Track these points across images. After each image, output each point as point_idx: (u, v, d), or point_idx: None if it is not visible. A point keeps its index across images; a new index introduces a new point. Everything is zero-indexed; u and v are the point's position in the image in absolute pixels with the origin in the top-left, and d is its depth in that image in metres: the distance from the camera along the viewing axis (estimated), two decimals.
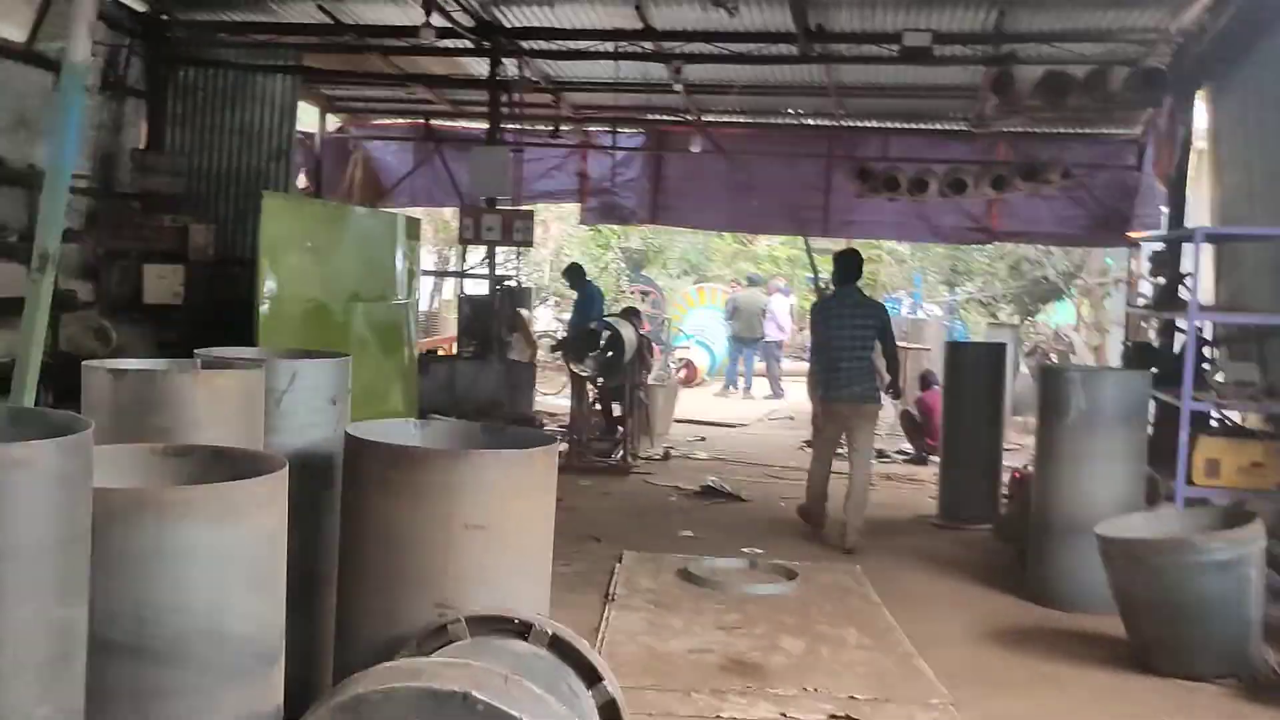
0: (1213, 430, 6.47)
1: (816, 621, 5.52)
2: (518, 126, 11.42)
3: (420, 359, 9.57)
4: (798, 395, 14.06)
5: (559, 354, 12.17)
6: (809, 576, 6.30)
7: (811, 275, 15.20)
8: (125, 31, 8.94)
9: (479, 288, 11.38)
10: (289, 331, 6.71)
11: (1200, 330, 6.72)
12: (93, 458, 2.14)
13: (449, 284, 18.71)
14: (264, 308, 6.61)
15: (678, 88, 10.16)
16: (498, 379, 10.01)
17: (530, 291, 13.92)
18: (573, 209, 15.23)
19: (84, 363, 3.15)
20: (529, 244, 10.84)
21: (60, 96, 4.40)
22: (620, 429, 10.15)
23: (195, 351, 3.60)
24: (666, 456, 10.44)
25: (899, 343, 7.96)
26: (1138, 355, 8.08)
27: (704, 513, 8.21)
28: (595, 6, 8.69)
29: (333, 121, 13.32)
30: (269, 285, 6.65)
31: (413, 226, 8.72)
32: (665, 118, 12.37)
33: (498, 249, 10.52)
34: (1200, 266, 7.43)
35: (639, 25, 8.92)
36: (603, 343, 9.67)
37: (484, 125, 10.76)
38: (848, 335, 7.29)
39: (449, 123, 13.18)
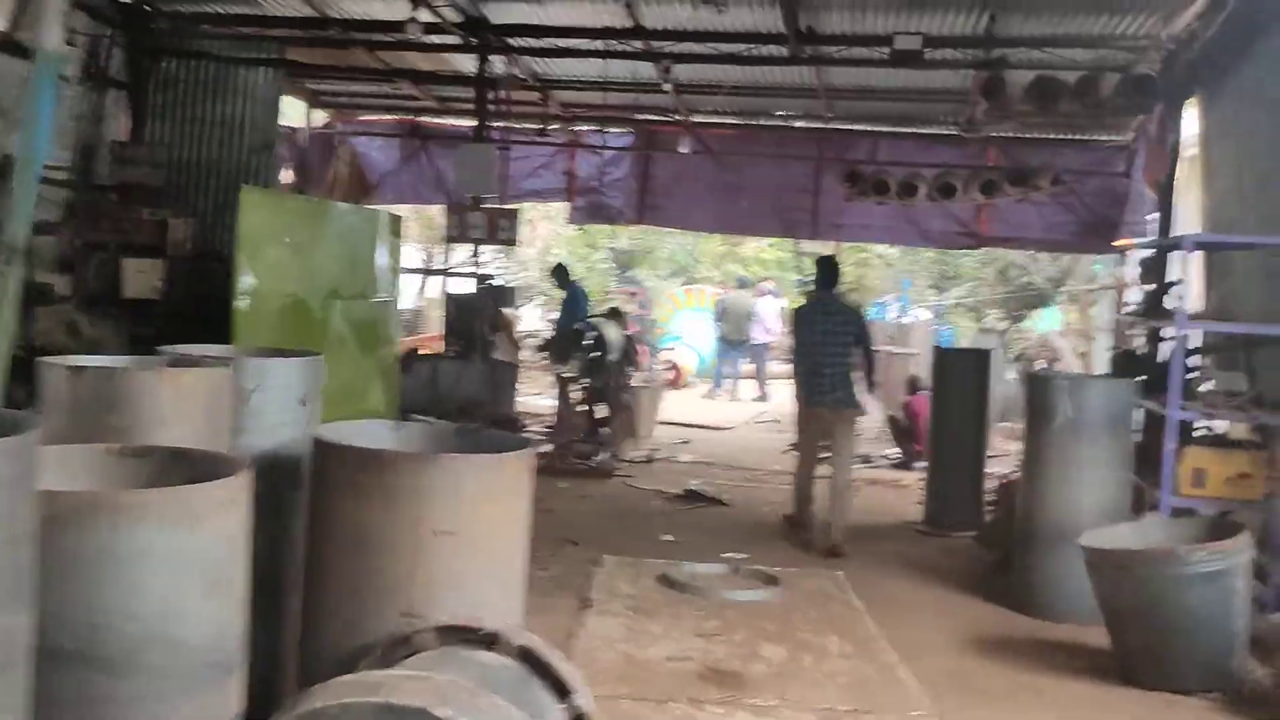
0: (1200, 440, 6.42)
1: (798, 629, 5.45)
2: (505, 124, 11.33)
3: (403, 357, 9.47)
4: (784, 398, 13.99)
5: (543, 354, 12.08)
6: (791, 582, 6.23)
7: (799, 278, 15.16)
8: (107, 22, 8.82)
9: (464, 286, 11.29)
10: (267, 328, 6.61)
11: (1188, 339, 6.68)
12: (37, 459, 2.04)
13: (435, 282, 18.61)
14: (241, 304, 6.50)
15: (667, 87, 10.09)
16: (481, 379, 9.92)
17: (515, 291, 13.83)
18: (560, 208, 15.13)
19: (40, 359, 3.05)
20: (514, 243, 10.77)
21: (32, 85, 4.30)
22: (604, 430, 10.07)
23: (162, 349, 3.50)
24: (650, 459, 10.36)
25: (888, 347, 7.99)
26: (1124, 363, 8.04)
27: (686, 517, 8.13)
28: (584, 4, 8.61)
29: (319, 116, 13.20)
30: (246, 281, 6.54)
31: (395, 223, 8.62)
32: (654, 118, 12.30)
33: (483, 247, 10.44)
34: (1190, 274, 7.38)
35: (628, 23, 8.85)
36: (587, 343, 9.59)
37: (471, 123, 10.67)
38: (828, 340, 7.38)
39: (436, 119, 13.08)
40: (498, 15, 9.06)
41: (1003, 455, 9.98)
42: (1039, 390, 6.23)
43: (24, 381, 6.03)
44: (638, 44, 9.29)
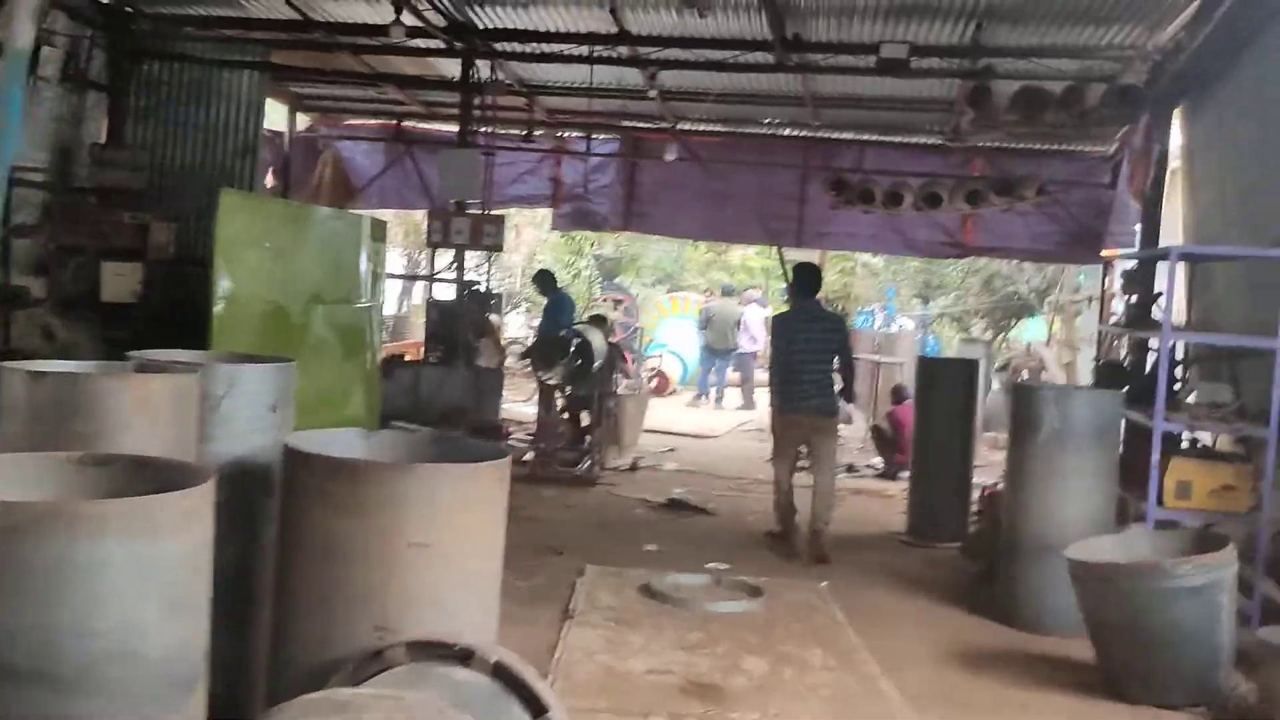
0: (1184, 452, 6.39)
1: (780, 641, 5.38)
2: (490, 130, 11.28)
3: (385, 364, 9.38)
4: (768, 407, 13.95)
5: (527, 361, 12.00)
6: (774, 594, 6.17)
7: (786, 286, 15.11)
8: (87, 23, 8.71)
9: (448, 292, 11.20)
10: (245, 333, 6.51)
11: (1173, 350, 6.66)
12: None
13: (419, 288, 18.50)
14: (219, 308, 6.41)
15: (653, 94, 10.05)
16: (464, 385, 9.82)
17: (500, 297, 13.74)
18: (546, 214, 15.07)
19: (1, 364, 2.96)
20: (498, 249, 10.68)
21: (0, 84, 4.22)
22: (588, 439, 10.00)
23: (129, 354, 3.42)
24: (634, 467, 10.29)
25: (872, 356, 7.95)
26: (1109, 374, 8.02)
27: (670, 526, 8.07)
28: (570, 9, 8.55)
29: (303, 120, 13.11)
30: (224, 285, 6.45)
31: (378, 228, 8.53)
32: (640, 124, 12.26)
33: (468, 253, 10.36)
34: (1174, 285, 7.38)
35: (614, 30, 8.79)
36: (571, 350, 9.52)
37: (456, 128, 10.60)
38: (810, 348, 7.34)
39: (421, 124, 13.00)
40: (483, 20, 8.99)
41: (987, 465, 9.96)
42: (1024, 401, 6.19)
43: None
44: (623, 50, 9.24)
